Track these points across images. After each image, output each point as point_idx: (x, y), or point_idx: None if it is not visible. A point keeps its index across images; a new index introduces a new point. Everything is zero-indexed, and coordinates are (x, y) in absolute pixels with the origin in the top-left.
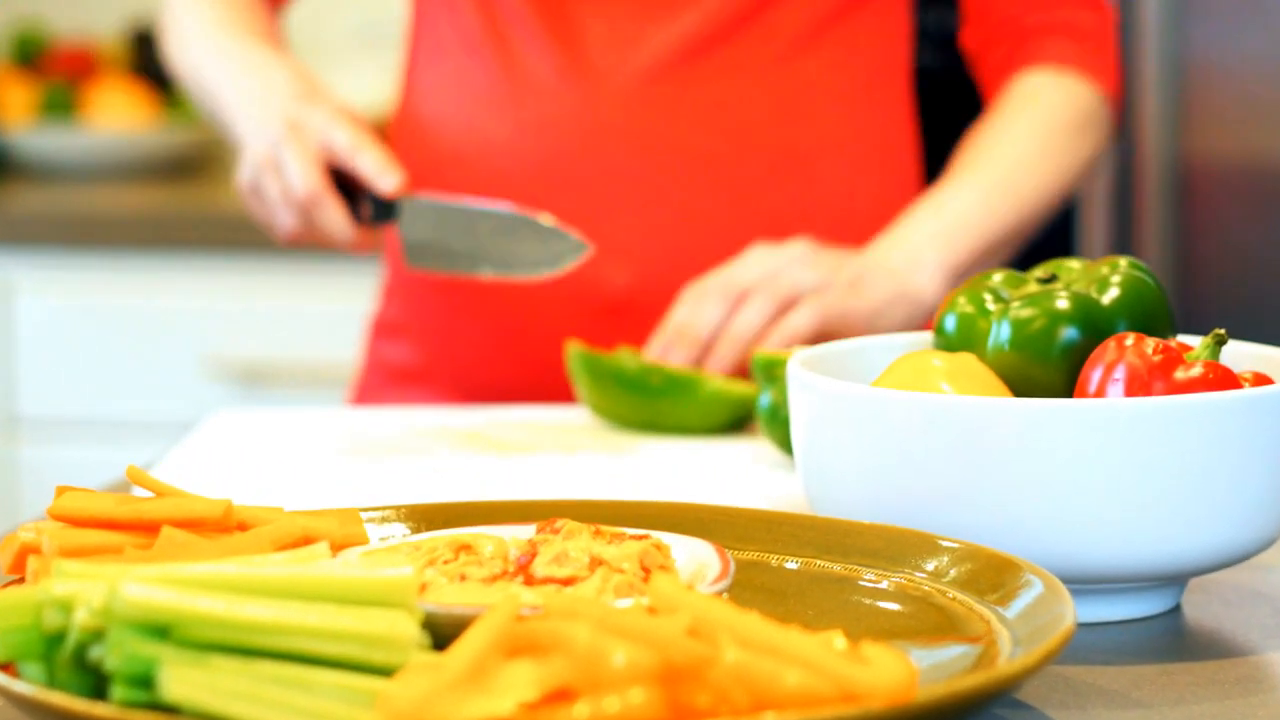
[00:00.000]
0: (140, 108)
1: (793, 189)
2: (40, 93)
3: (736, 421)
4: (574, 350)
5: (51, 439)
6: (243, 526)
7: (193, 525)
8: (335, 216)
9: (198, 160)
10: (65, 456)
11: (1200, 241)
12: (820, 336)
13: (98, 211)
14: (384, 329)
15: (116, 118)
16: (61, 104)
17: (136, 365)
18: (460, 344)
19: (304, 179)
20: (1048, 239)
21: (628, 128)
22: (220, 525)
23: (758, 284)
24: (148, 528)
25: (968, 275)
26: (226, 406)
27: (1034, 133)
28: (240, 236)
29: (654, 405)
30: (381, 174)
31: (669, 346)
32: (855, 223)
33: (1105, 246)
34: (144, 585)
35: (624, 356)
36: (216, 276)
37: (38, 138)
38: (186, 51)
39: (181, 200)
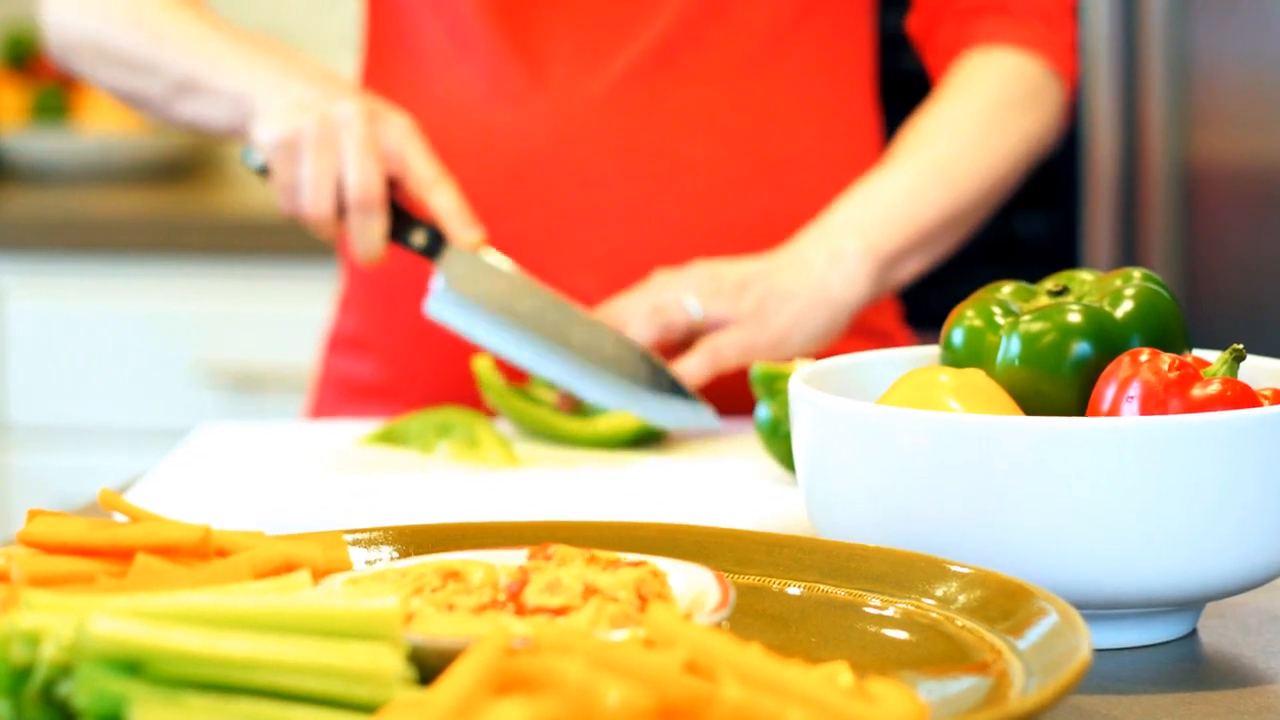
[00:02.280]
0: (132, 111)
1: (767, 196)
2: (32, 95)
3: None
4: (483, 367)
5: (42, 446)
6: (221, 552)
7: (169, 552)
8: (376, 232)
9: (190, 164)
10: (56, 464)
11: (1207, 245)
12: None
13: (90, 215)
14: (343, 344)
15: (109, 121)
16: (53, 107)
17: (129, 371)
18: (429, 359)
19: (364, 181)
20: (1052, 243)
21: (599, 136)
22: (198, 551)
23: (643, 314)
24: (122, 554)
25: (899, 265)
26: (219, 413)
27: (973, 113)
28: (234, 241)
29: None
30: (466, 226)
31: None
32: None
33: (1110, 250)
34: (114, 619)
35: (523, 396)
36: (210, 281)
37: (29, 141)
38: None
39: (174, 204)
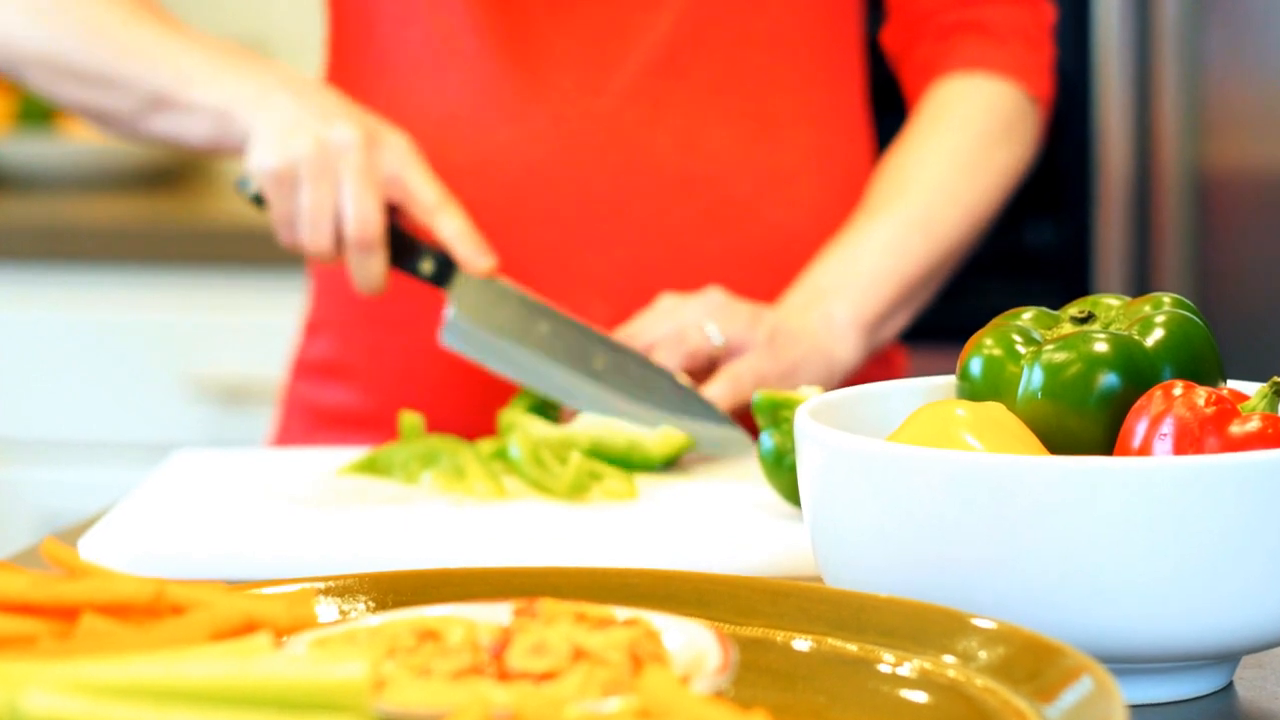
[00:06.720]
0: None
1: (773, 211)
2: (17, 101)
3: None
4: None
5: (25, 460)
6: (177, 610)
7: (119, 610)
8: (377, 268)
9: (178, 171)
10: (41, 478)
11: (1220, 253)
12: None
13: (75, 223)
14: (313, 370)
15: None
16: (39, 113)
17: (115, 383)
18: (415, 387)
19: (363, 218)
20: (1062, 252)
21: (602, 151)
22: (150, 610)
23: (663, 340)
24: (67, 613)
25: (885, 325)
26: (207, 425)
27: (951, 152)
28: (223, 250)
29: None
30: (476, 252)
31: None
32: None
33: (1122, 260)
34: (51, 694)
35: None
36: (198, 291)
37: (14, 147)
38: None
39: (162, 212)
